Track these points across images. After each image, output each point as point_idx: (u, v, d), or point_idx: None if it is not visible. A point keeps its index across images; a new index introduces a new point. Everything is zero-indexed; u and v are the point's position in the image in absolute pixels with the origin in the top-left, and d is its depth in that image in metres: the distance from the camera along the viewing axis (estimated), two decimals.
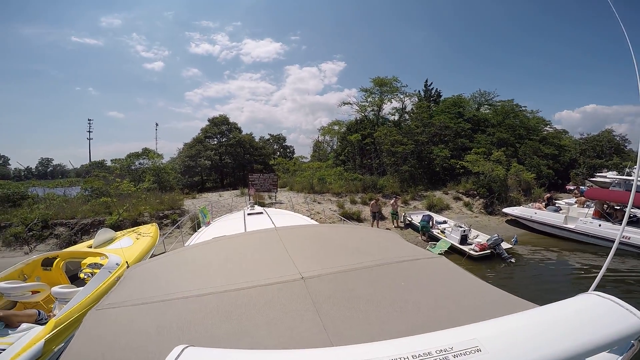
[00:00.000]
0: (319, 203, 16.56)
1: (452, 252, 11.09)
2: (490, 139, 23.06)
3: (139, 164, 22.92)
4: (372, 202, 14.75)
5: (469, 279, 2.38)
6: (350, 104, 28.15)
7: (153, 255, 7.33)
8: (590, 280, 7.82)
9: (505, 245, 11.00)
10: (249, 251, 2.97)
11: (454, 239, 11.40)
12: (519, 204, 16.94)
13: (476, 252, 10.56)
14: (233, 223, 6.34)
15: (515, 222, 15.24)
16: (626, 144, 35.57)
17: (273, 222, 5.65)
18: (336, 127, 31.27)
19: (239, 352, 1.26)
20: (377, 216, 14.20)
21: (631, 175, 23.27)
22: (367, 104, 27.07)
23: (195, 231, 7.04)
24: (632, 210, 11.94)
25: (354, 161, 23.31)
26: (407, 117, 27.66)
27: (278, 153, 38.71)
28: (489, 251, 10.64)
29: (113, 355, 1.52)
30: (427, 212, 14.41)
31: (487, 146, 21.40)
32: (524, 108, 29.47)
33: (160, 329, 1.71)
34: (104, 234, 7.49)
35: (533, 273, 9.88)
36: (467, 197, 17.96)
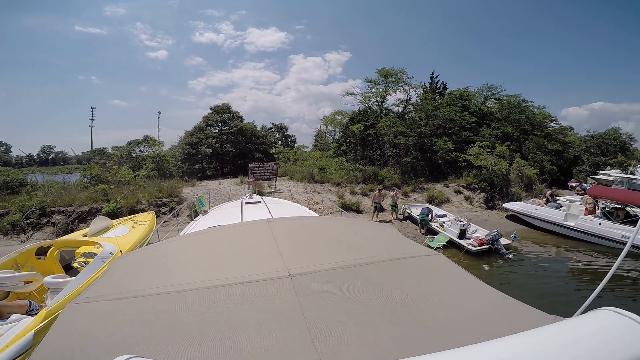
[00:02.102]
0: (318, 193, 16.48)
1: (450, 247, 11.08)
2: (494, 133, 22.76)
3: (140, 151, 22.89)
4: (374, 192, 14.65)
5: (469, 280, 2.27)
6: (354, 94, 27.79)
7: (149, 244, 7.31)
8: (588, 280, 7.65)
9: (504, 241, 10.92)
10: (239, 244, 2.84)
11: (452, 233, 11.34)
12: (520, 199, 16.80)
13: (474, 247, 10.50)
14: (230, 212, 6.27)
15: (515, 217, 15.11)
16: (632, 143, 35.09)
17: (270, 212, 5.57)
18: (339, 117, 30.96)
19: None
20: (378, 207, 14.13)
21: (635, 174, 23.00)
22: (371, 94, 26.71)
23: (193, 219, 6.99)
24: (633, 210, 11.85)
25: (355, 152, 23.09)
26: (412, 108, 27.32)
27: (280, 142, 38.54)
28: (487, 246, 10.57)
29: (82, 354, 1.43)
30: (427, 205, 14.33)
31: (491, 140, 21.12)
32: (530, 103, 29.01)
33: (131, 327, 1.62)
34: (99, 222, 7.39)
35: (530, 270, 9.81)
36: (468, 190, 17.82)
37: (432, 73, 30.30)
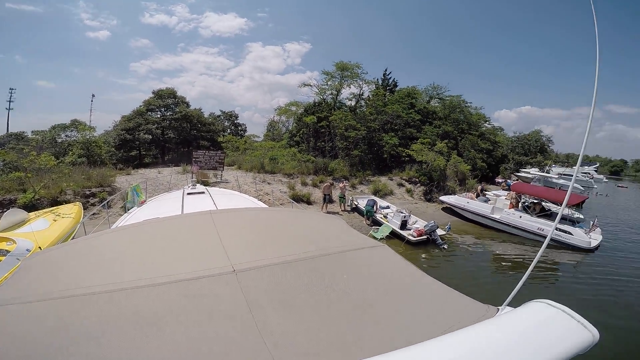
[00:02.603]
0: (268, 184, 16.25)
1: (393, 237, 11.63)
2: (436, 131, 24.44)
3: (66, 136, 20.33)
4: (324, 184, 14.82)
5: (411, 272, 2.32)
6: (311, 85, 27.72)
7: (73, 239, 6.55)
8: (510, 268, 8.54)
9: (440, 231, 11.70)
10: (178, 238, 2.60)
11: (395, 224, 11.92)
12: (454, 193, 18.30)
13: (414, 237, 11.14)
14: (169, 203, 5.80)
15: (450, 210, 16.34)
16: (550, 144, 40.34)
17: (215, 203, 5.29)
18: (294, 108, 30.72)
19: None
20: (327, 199, 14.37)
21: (550, 173, 26.58)
22: (327, 87, 26.98)
23: (126, 212, 6.39)
24: (547, 204, 13.46)
25: (308, 143, 23.17)
26: (363, 103, 28.13)
27: (229, 130, 37.07)
28: (426, 237, 11.26)
29: None
30: (372, 197, 14.91)
31: (432, 137, 22.67)
32: (469, 104, 31.75)
33: (48, 335, 1.39)
34: (12, 215, 6.53)
35: (462, 260, 10.68)
36: (410, 184, 19.00)
37: (385, 70, 31.37)
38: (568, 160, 51.04)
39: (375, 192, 17.01)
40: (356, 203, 14.58)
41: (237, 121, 40.11)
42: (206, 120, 32.64)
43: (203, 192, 6.42)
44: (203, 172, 15.72)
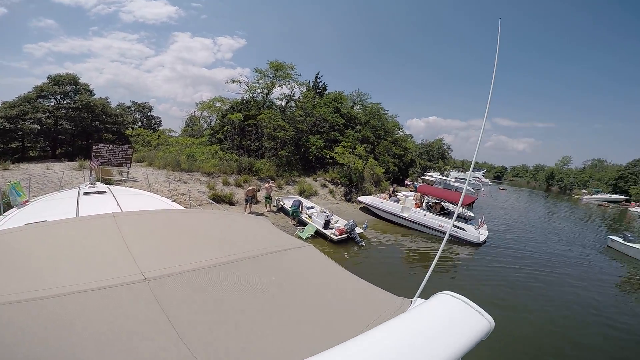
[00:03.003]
0: (185, 183, 15.08)
1: (317, 236, 12.00)
2: (357, 135, 26.20)
3: None
4: (248, 188, 14.34)
5: (336, 270, 2.35)
6: (240, 82, 26.72)
7: None
8: (419, 261, 9.51)
9: (358, 230, 12.45)
10: (72, 245, 2.22)
11: (319, 224, 12.31)
12: (370, 193, 19.84)
13: (336, 236, 11.69)
14: (60, 204, 4.91)
15: (367, 209, 17.61)
16: (449, 152, 47.01)
17: (119, 205, 4.67)
18: (218, 104, 29.27)
19: None
20: (251, 200, 14.04)
21: (448, 177, 31.08)
22: (258, 85, 26.41)
23: (2, 214, 5.14)
24: (445, 204, 15.41)
25: (232, 141, 22.26)
26: (294, 104, 28.40)
27: (140, 123, 33.22)
28: (346, 235, 11.91)
29: None
30: (298, 198, 15.17)
31: (353, 141, 24.24)
32: (387, 112, 34.91)
33: None
34: None
35: (378, 255, 11.60)
36: (332, 185, 20.00)
37: (317, 73, 32.21)
38: (463, 165, 60.69)
39: (301, 193, 17.36)
40: (282, 203, 14.64)
41: (151, 114, 36.19)
42: (112, 111, 28.74)
43: (104, 192, 5.68)
44: (105, 169, 13.72)
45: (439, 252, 2.21)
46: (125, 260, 1.93)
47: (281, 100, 28.52)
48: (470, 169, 3.08)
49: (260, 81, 25.96)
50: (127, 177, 14.23)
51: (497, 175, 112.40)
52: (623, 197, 46.47)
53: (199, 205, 12.86)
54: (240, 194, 15.11)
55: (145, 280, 1.73)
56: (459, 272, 11.01)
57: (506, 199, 41.56)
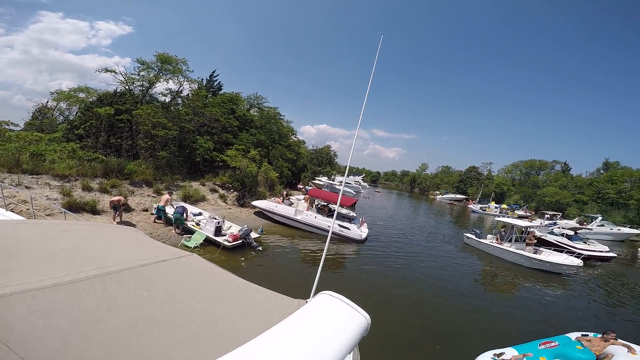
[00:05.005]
0: (27, 188, 11.79)
1: (209, 244, 11.26)
2: (251, 139, 25.83)
3: None
4: (114, 199, 12.08)
5: (224, 277, 2.25)
6: (116, 72, 22.45)
7: None
8: (314, 262, 10.10)
9: (253, 234, 12.29)
10: None
11: (209, 231, 11.59)
12: (264, 198, 19.85)
13: (230, 242, 11.21)
14: None
15: (261, 213, 17.59)
16: (335, 158, 51.53)
17: None
18: (82, 95, 23.98)
19: None
20: (120, 208, 11.98)
21: (334, 181, 33.98)
22: (138, 77, 22.78)
23: None
24: (332, 206, 16.82)
25: (96, 138, 18.51)
26: (180, 101, 25.89)
27: None
28: (241, 241, 11.56)
29: None
30: (182, 204, 13.89)
31: (247, 145, 23.79)
32: (283, 117, 35.74)
33: None
34: None
35: (275, 258, 11.67)
36: (223, 189, 19.12)
37: (213, 72, 30.49)
38: (345, 171, 67.84)
39: (186, 199, 15.95)
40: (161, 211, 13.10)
41: None
42: None
43: None
44: None
45: (325, 251, 2.40)
46: None
47: (165, 95, 25.63)
48: (346, 174, 3.58)
49: (142, 73, 22.65)
50: None
51: (374, 179, 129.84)
52: (464, 196, 60.68)
53: (47, 215, 10.35)
54: (105, 201, 12.74)
55: None
56: (348, 268, 12.08)
57: (381, 199, 48.51)
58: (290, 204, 17.81)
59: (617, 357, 5.71)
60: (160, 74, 23.19)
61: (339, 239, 15.16)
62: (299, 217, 16.31)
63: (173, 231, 12.13)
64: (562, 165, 59.32)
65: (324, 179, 37.74)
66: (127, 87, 22.79)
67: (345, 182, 37.91)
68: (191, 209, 14.11)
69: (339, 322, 1.47)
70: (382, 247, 15.55)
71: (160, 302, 1.84)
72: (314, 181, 37.40)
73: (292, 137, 38.15)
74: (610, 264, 18.14)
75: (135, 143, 18.53)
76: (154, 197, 15.08)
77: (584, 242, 19.80)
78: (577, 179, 51.43)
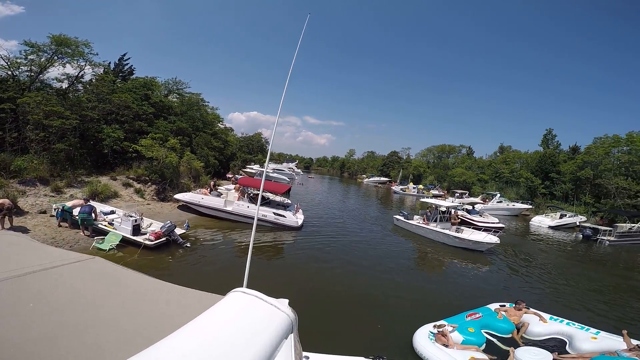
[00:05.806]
0: None
1: (127, 245, 10.43)
2: (170, 127, 23.89)
3: None
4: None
5: (134, 278, 2.13)
6: None
7: None
8: (243, 249, 10.58)
9: (179, 230, 11.64)
10: None
11: (125, 231, 10.70)
12: (189, 190, 18.70)
13: (152, 241, 10.49)
14: None
15: (186, 207, 16.51)
16: (267, 145, 51.29)
17: None
18: None
19: None
20: (10, 212, 10.31)
21: (268, 169, 33.77)
22: (26, 62, 18.84)
23: None
24: (265, 194, 16.38)
25: None
26: (81, 87, 22.45)
27: None
28: (165, 239, 10.87)
29: None
30: (89, 202, 12.55)
31: (165, 133, 21.93)
32: (207, 103, 33.69)
33: None
34: None
35: (206, 253, 11.19)
36: (139, 183, 17.51)
37: (124, 55, 27.14)
38: (279, 158, 67.87)
39: (94, 196, 14.36)
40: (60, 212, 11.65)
41: None
42: None
43: None
44: None
45: (252, 240, 2.34)
46: None
47: (61, 81, 21.94)
48: (266, 160, 3.75)
49: (31, 57, 18.91)
50: None
51: (307, 165, 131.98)
52: (387, 179, 66.07)
53: None
54: None
55: None
56: (286, 256, 12.11)
57: (314, 185, 49.97)
58: (219, 195, 17.12)
59: (532, 326, 7.00)
60: (56, 57, 19.75)
61: (275, 227, 15.04)
62: (229, 208, 15.73)
63: (81, 233, 10.97)
64: (467, 149, 68.94)
65: (256, 166, 37.16)
66: (9, 73, 18.89)
67: (278, 169, 38.09)
68: (101, 207, 12.85)
69: (253, 322, 1.30)
70: (318, 233, 15.66)
71: (53, 313, 1.68)
72: (244, 169, 36.60)
73: (219, 124, 36.43)
74: (503, 234, 20.37)
75: (23, 135, 15.77)
76: (53, 196, 13.26)
77: (480, 215, 23.59)
78: (479, 161, 60.29)
